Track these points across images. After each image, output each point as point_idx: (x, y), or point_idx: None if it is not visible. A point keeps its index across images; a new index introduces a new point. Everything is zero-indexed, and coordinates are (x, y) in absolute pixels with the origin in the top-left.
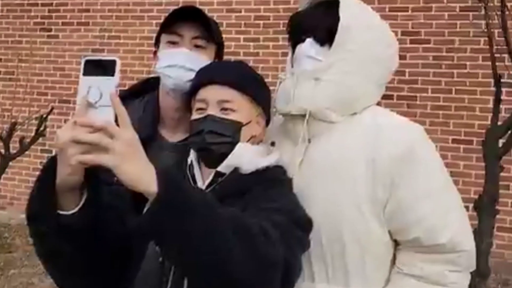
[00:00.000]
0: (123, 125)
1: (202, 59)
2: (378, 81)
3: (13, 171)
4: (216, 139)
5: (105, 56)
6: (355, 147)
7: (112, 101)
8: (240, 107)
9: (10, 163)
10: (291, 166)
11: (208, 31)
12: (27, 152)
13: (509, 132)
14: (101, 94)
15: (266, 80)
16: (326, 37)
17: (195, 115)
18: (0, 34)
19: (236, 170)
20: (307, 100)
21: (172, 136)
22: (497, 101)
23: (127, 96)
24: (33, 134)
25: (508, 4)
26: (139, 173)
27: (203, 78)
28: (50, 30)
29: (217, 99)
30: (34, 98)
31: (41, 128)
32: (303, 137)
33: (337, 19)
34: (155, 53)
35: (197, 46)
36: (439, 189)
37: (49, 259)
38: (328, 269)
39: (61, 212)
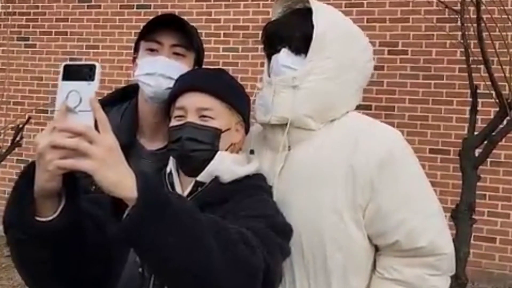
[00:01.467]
0: (103, 130)
1: (181, 67)
2: (355, 86)
3: None
4: (195, 146)
5: (84, 61)
6: (334, 152)
7: (92, 106)
8: (219, 115)
9: None
10: (271, 174)
11: (188, 39)
12: (3, 163)
13: (486, 142)
14: (80, 99)
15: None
16: (302, 45)
17: (174, 122)
18: None
19: (216, 179)
20: (286, 109)
21: (151, 144)
22: (474, 111)
23: (104, 105)
24: (9, 144)
25: (484, 16)
26: (119, 178)
27: (182, 85)
28: (27, 39)
29: (196, 107)
30: (10, 107)
31: (18, 138)
32: (283, 145)
33: (311, 27)
34: (134, 60)
35: (176, 54)
36: (419, 193)
37: (26, 267)
38: (309, 275)
39: (38, 219)
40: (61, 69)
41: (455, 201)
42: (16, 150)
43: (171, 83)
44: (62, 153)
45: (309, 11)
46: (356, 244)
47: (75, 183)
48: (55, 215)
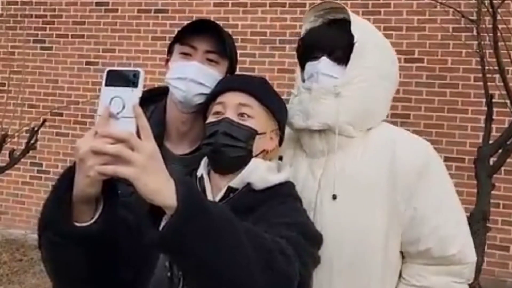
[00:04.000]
0: (145, 137)
1: (214, 74)
2: (389, 97)
3: (1, 185)
4: (229, 142)
5: (128, 67)
6: (374, 162)
7: (135, 112)
8: (257, 115)
9: None
10: (311, 179)
11: (222, 46)
12: (16, 166)
13: (500, 150)
14: (124, 105)
15: None
16: (342, 55)
17: (211, 119)
18: None
19: (248, 185)
20: (329, 115)
21: (176, 148)
22: (489, 120)
23: None
24: (23, 147)
25: (499, 26)
26: (159, 186)
27: (224, 85)
28: (43, 41)
29: (236, 103)
30: (25, 110)
31: (32, 141)
32: (322, 150)
33: (350, 38)
34: (167, 62)
35: (209, 60)
36: (450, 202)
37: (58, 270)
38: (349, 282)
39: (77, 224)
40: (104, 75)
41: (469, 209)
42: (30, 153)
43: (201, 89)
44: (103, 159)
45: (346, 23)
46: (393, 251)
47: (114, 189)
48: (93, 221)
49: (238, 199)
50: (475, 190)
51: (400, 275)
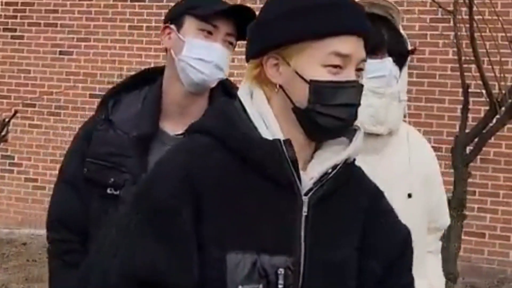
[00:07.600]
0: None
1: (229, 58)
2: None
3: None
4: (356, 115)
5: None
6: (417, 159)
7: None
8: None
9: None
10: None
11: (240, 31)
12: None
13: (476, 139)
14: None
15: None
16: (399, 59)
17: (329, 76)
18: None
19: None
20: (397, 122)
21: (175, 128)
22: (465, 109)
23: (120, 90)
24: None
25: (476, 17)
26: None
27: (347, 23)
28: (14, 30)
29: (361, 58)
30: None
31: (3, 133)
32: (375, 148)
33: (402, 39)
34: (165, 28)
35: (229, 43)
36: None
37: None
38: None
39: None
40: None
41: (446, 197)
42: (1, 145)
43: (220, 74)
44: None
45: (382, 18)
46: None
47: None
48: None
49: (339, 176)
50: (452, 179)
51: None
